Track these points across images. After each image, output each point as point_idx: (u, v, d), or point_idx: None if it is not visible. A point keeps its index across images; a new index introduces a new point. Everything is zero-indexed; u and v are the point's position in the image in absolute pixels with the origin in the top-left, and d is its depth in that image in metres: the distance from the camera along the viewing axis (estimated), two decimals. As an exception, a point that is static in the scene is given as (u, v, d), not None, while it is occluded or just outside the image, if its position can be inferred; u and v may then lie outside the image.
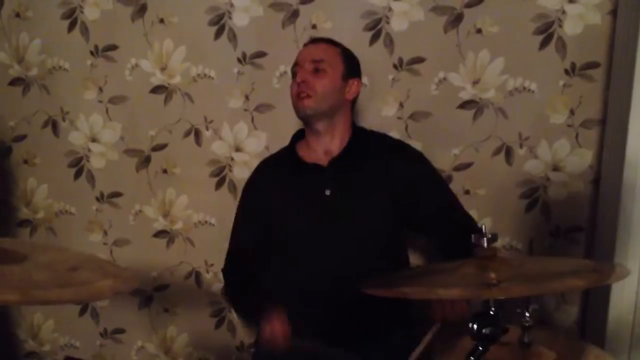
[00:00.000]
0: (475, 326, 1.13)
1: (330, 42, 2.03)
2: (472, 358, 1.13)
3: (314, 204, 1.96)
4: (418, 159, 2.09)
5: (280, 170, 2.06)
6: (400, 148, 2.09)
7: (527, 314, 1.35)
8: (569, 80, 2.20)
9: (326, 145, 2.00)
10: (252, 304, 1.95)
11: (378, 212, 1.96)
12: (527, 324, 1.36)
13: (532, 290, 1.12)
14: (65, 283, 1.06)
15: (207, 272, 2.71)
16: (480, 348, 1.13)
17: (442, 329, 1.58)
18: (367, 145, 2.02)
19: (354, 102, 2.06)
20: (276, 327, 1.75)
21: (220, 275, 2.32)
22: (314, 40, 2.07)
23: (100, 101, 2.71)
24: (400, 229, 2.05)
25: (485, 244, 1.23)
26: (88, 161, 2.78)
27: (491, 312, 1.14)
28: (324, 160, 1.99)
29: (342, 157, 1.98)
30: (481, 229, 1.24)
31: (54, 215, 2.88)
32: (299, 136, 2.10)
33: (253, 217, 2.11)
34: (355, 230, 1.93)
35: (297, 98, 1.93)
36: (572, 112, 2.21)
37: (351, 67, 2.01)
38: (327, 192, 1.95)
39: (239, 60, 2.52)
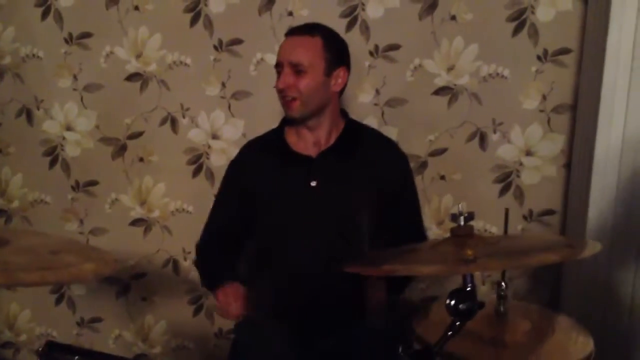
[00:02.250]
0: (452, 302, 1.15)
1: (311, 31, 1.93)
2: (450, 333, 1.16)
3: (300, 194, 1.95)
4: (405, 162, 2.08)
5: (267, 156, 2.02)
6: (390, 147, 2.08)
7: (503, 284, 1.39)
8: (541, 66, 2.24)
9: (316, 137, 1.98)
10: (214, 271, 1.98)
11: (363, 205, 1.95)
12: (502, 293, 1.39)
13: (508, 265, 1.15)
14: (47, 266, 1.06)
15: (185, 260, 2.71)
16: (458, 323, 1.16)
17: None
18: (357, 139, 2.01)
19: (341, 91, 2.01)
20: (230, 292, 1.82)
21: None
22: (293, 32, 1.97)
23: (74, 89, 2.69)
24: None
25: (462, 222, 1.26)
26: (63, 150, 2.76)
27: (468, 288, 1.17)
28: (312, 151, 1.97)
29: (331, 150, 1.97)
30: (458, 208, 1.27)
31: (29, 205, 2.85)
32: (288, 120, 2.04)
33: (235, 198, 2.08)
34: (340, 222, 1.93)
35: (284, 101, 1.91)
36: (544, 97, 2.26)
37: (335, 57, 1.94)
38: (313, 184, 1.94)
39: (215, 47, 2.51)
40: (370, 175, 1.96)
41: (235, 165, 2.14)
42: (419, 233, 2.08)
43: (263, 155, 2.05)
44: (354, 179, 1.95)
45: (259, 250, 2.09)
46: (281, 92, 1.90)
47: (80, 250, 1.19)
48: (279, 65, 1.92)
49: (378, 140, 2.08)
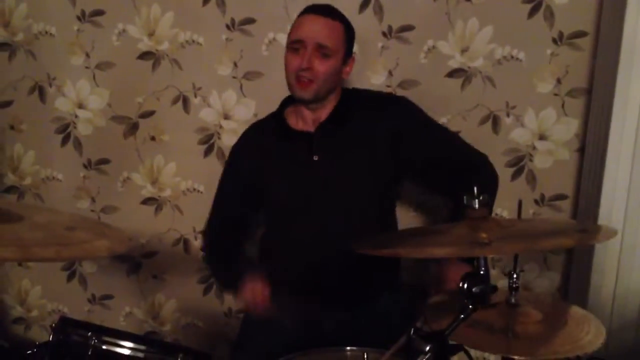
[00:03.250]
0: (465, 285, 1.16)
1: (333, 15, 1.89)
2: (462, 316, 1.16)
3: (303, 170, 1.95)
4: (404, 106, 2.01)
5: (268, 138, 2.03)
6: (384, 101, 2.05)
7: (514, 276, 1.39)
8: (556, 49, 2.22)
9: (317, 115, 1.97)
10: (232, 270, 1.96)
11: (368, 174, 1.93)
12: (514, 285, 1.39)
13: (523, 248, 1.15)
14: (62, 242, 1.07)
15: (195, 239, 2.73)
16: (470, 306, 1.16)
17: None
18: (352, 106, 1.98)
19: None
20: (257, 289, 1.79)
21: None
22: (317, 11, 1.89)
23: (87, 67, 2.69)
24: (394, 188, 2.05)
25: (477, 206, 1.26)
26: (75, 128, 2.77)
27: (481, 272, 1.17)
28: (311, 127, 1.97)
29: (328, 122, 1.95)
30: (473, 190, 1.26)
31: (41, 182, 2.86)
32: (288, 102, 2.05)
33: (238, 185, 2.10)
34: (344, 195, 1.92)
35: (297, 81, 1.86)
36: (558, 81, 2.24)
37: (350, 46, 1.94)
38: (315, 158, 1.93)
39: (227, 26, 2.50)
40: (372, 136, 1.93)
41: (235, 152, 2.15)
42: (465, 152, 2.00)
43: (264, 138, 2.05)
44: (356, 146, 1.93)
45: (267, 229, 2.10)
46: (299, 71, 1.85)
47: (94, 228, 1.19)
48: (298, 42, 1.85)
49: (373, 100, 2.04)
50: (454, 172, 1.88)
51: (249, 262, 2.00)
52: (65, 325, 1.56)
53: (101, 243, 1.10)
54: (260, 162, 2.02)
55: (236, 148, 2.16)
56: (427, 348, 1.15)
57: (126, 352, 1.54)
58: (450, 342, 1.21)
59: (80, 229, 1.16)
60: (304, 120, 1.99)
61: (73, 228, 1.15)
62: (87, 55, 2.68)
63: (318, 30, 1.86)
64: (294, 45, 1.86)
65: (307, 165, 1.94)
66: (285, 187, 1.98)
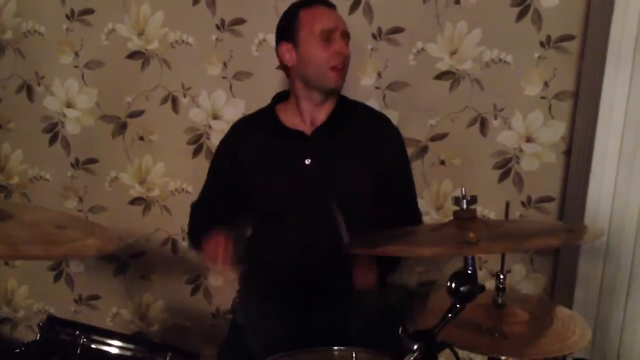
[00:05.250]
0: (453, 284, 1.16)
1: (334, 7, 1.98)
2: (449, 315, 1.17)
3: (294, 172, 1.94)
4: (398, 136, 2.07)
5: (259, 134, 2.01)
6: (382, 121, 2.07)
7: (501, 276, 1.40)
8: (544, 53, 2.24)
9: (317, 113, 1.97)
10: (202, 231, 1.89)
11: (357, 182, 1.93)
12: (501, 286, 1.40)
13: (510, 247, 1.15)
14: (52, 240, 1.07)
15: (184, 239, 2.72)
16: (458, 306, 1.17)
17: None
18: (350, 115, 1.99)
19: None
20: (219, 243, 1.76)
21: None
22: (326, 3, 1.95)
23: (75, 66, 2.69)
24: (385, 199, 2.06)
25: (465, 206, 1.27)
26: (63, 127, 2.76)
27: (469, 271, 1.18)
28: (306, 128, 1.96)
29: (325, 126, 1.95)
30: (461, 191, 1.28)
31: (29, 181, 2.86)
32: (280, 98, 2.05)
33: (224, 179, 2.08)
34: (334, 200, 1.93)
35: (332, 70, 1.88)
36: (546, 84, 2.25)
37: None
38: (307, 161, 1.92)
39: (217, 27, 2.50)
40: (364, 150, 1.94)
41: (227, 142, 2.13)
42: (413, 211, 2.08)
43: (254, 134, 2.03)
44: (348, 156, 1.94)
45: (255, 230, 2.10)
46: (338, 60, 1.88)
47: (84, 227, 1.19)
48: (327, 32, 1.87)
49: (370, 115, 2.07)
50: (391, 219, 1.86)
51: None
52: (53, 323, 1.56)
53: (91, 242, 1.10)
54: (250, 156, 2.00)
55: (226, 140, 2.13)
56: (415, 347, 1.16)
57: (114, 350, 1.54)
58: (438, 340, 1.21)
59: (70, 228, 1.16)
60: (301, 117, 1.98)
61: (63, 226, 1.15)
62: (76, 54, 2.67)
63: (338, 18, 1.93)
64: (322, 35, 1.87)
65: (299, 168, 1.93)
66: (274, 189, 1.96)
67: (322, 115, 1.97)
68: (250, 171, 1.99)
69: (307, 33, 1.88)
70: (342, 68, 1.89)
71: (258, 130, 2.03)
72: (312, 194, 1.90)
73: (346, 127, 1.96)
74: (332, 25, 1.88)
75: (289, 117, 1.99)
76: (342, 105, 2.01)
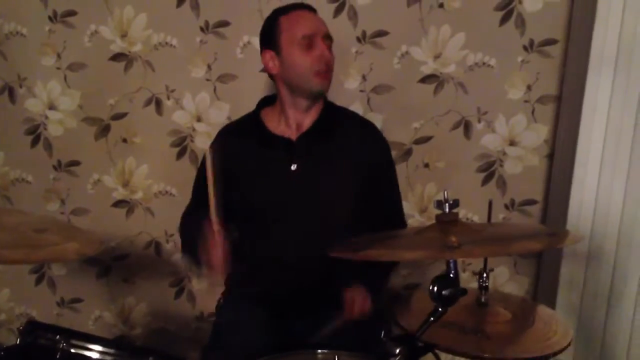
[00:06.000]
0: (435, 288, 1.17)
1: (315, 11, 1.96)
2: (432, 318, 1.17)
3: (280, 178, 1.93)
4: (384, 143, 2.05)
5: (246, 139, 1.99)
6: (369, 128, 2.05)
7: (484, 275, 1.40)
8: (527, 57, 2.25)
9: (302, 119, 1.96)
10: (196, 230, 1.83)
11: (343, 188, 1.92)
12: (484, 284, 1.41)
13: (492, 251, 1.16)
14: (32, 244, 1.06)
15: (167, 242, 2.71)
16: (440, 309, 1.17)
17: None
18: (336, 121, 1.98)
19: None
20: (216, 247, 1.72)
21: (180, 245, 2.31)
22: (304, 8, 1.94)
23: (58, 68, 2.66)
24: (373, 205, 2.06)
25: (447, 209, 1.27)
26: (45, 129, 2.73)
27: (451, 275, 1.18)
28: (292, 134, 1.95)
29: (311, 132, 1.94)
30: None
31: (10, 184, 2.82)
32: (264, 103, 2.04)
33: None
34: (320, 206, 1.91)
35: (317, 74, 1.86)
36: (529, 88, 2.27)
37: None
38: (293, 167, 1.91)
39: (201, 29, 2.49)
40: (350, 156, 1.93)
41: (214, 149, 2.11)
42: (398, 218, 2.07)
43: (240, 140, 2.01)
44: (334, 162, 1.92)
45: (241, 234, 2.09)
46: (321, 64, 1.86)
47: (64, 230, 1.19)
48: (308, 38, 1.86)
49: (356, 121, 2.06)
50: (380, 222, 1.89)
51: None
52: (33, 328, 1.54)
53: (71, 245, 1.09)
54: (236, 163, 1.97)
55: (213, 148, 2.11)
56: (397, 351, 1.16)
57: (95, 355, 1.52)
58: (420, 344, 1.22)
59: (50, 232, 1.15)
60: (287, 123, 1.96)
61: (43, 230, 1.14)
62: (59, 56, 2.65)
63: (321, 23, 1.91)
64: (304, 41, 1.86)
65: (285, 174, 1.92)
66: (260, 195, 1.95)
67: (307, 120, 1.96)
68: (238, 177, 1.96)
69: (288, 40, 1.87)
70: (326, 71, 1.88)
71: (244, 136, 2.01)
72: (298, 200, 1.90)
73: (332, 132, 1.95)
74: (312, 30, 1.87)
75: (275, 123, 1.98)
76: (328, 111, 1.99)
